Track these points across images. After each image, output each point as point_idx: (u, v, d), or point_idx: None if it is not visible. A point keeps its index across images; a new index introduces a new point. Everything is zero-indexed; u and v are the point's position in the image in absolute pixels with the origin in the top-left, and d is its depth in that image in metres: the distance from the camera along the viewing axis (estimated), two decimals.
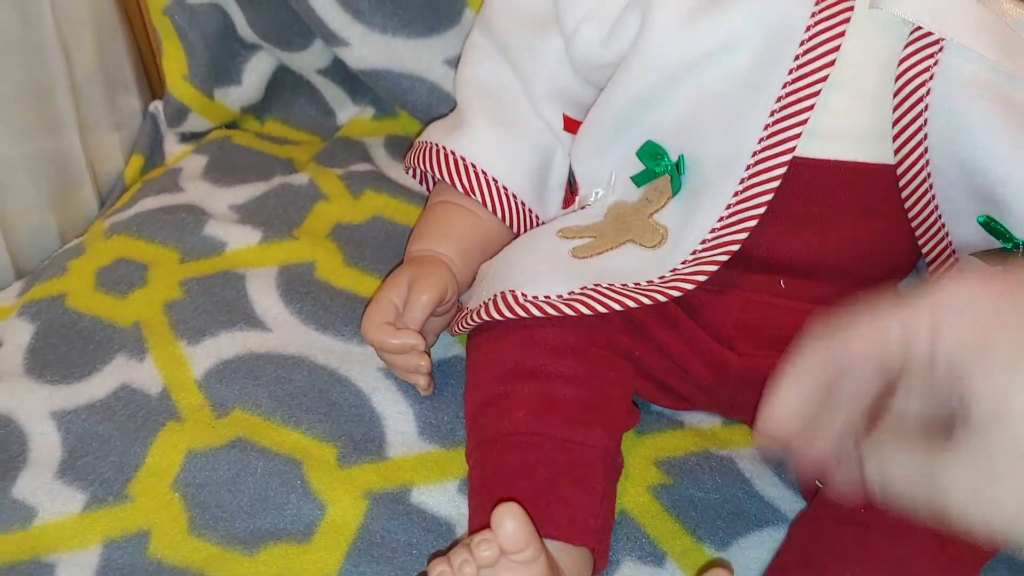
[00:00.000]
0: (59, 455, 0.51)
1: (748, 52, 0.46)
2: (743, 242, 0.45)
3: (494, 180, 0.55)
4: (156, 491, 0.49)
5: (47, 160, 0.70)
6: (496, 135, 0.56)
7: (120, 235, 0.64)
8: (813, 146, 0.46)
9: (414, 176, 0.61)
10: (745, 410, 0.53)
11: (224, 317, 0.57)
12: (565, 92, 0.55)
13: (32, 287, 0.62)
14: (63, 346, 0.57)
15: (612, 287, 0.46)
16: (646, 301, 0.45)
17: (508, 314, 0.47)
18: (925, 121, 0.46)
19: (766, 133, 0.45)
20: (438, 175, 0.56)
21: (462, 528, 0.48)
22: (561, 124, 0.56)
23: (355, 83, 0.76)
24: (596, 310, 0.45)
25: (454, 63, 0.69)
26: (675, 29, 0.47)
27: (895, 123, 0.46)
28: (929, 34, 0.45)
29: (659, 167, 0.49)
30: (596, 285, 0.46)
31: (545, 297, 0.46)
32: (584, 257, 0.48)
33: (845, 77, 0.45)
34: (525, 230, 0.55)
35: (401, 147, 0.74)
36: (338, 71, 0.75)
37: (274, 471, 0.49)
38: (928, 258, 0.50)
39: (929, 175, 0.47)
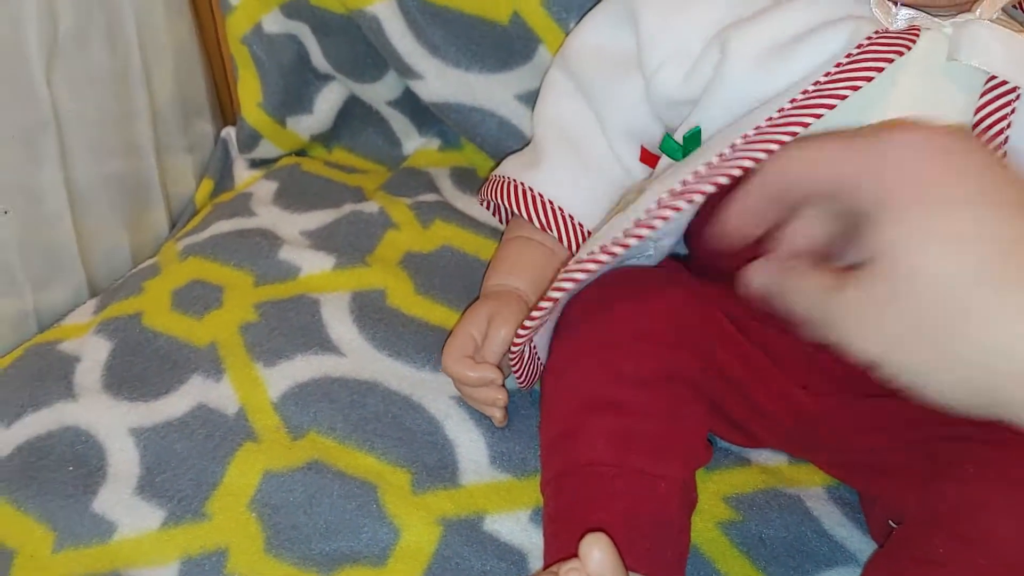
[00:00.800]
0: (137, 471, 0.52)
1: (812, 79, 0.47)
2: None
3: (570, 216, 0.56)
4: (233, 510, 0.50)
5: (124, 181, 0.72)
6: (572, 171, 0.57)
7: (195, 257, 0.65)
8: None
9: (488, 208, 0.62)
10: (814, 449, 0.53)
11: (299, 340, 0.58)
12: (641, 130, 0.57)
13: (108, 305, 0.63)
14: (140, 364, 0.58)
15: (672, 191, 0.45)
16: (709, 187, 0.43)
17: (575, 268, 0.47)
18: None
19: (778, 116, 0.45)
20: (515, 210, 0.57)
21: (534, 557, 0.48)
22: (636, 158, 0.57)
23: (422, 115, 0.78)
24: (669, 216, 0.44)
25: (525, 98, 0.71)
26: (751, 68, 0.48)
27: None
28: (1004, 83, 0.46)
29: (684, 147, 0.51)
30: (659, 200, 0.45)
31: (623, 230, 0.46)
32: (629, 204, 0.49)
33: (893, 108, 0.46)
34: None
35: (466, 178, 0.75)
36: (407, 103, 0.77)
37: (350, 494, 0.50)
38: None
39: None
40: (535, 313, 0.48)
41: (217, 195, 0.77)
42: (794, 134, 0.43)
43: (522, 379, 0.52)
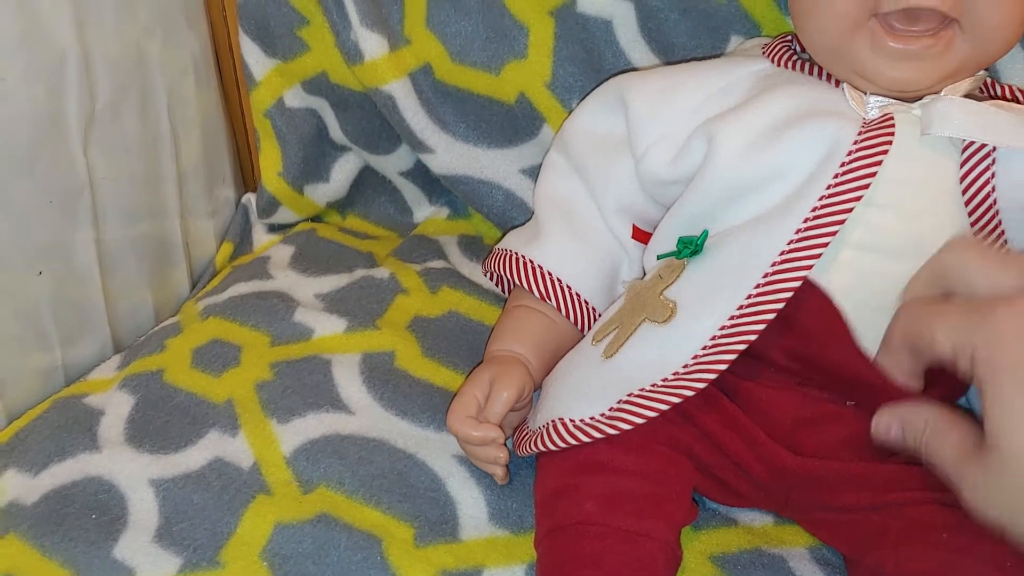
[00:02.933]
0: (156, 520, 0.55)
1: (801, 174, 0.50)
2: (754, 344, 0.48)
3: (568, 287, 0.60)
4: (246, 559, 0.53)
5: (150, 242, 0.75)
6: (569, 245, 0.61)
7: (215, 317, 0.69)
8: (844, 255, 0.49)
9: (491, 279, 0.66)
10: (799, 509, 0.55)
11: (311, 399, 0.61)
12: (633, 207, 0.61)
13: (132, 362, 0.67)
14: (161, 418, 0.61)
15: (643, 393, 0.50)
16: (675, 400, 0.49)
17: (561, 444, 0.51)
18: (1000, 221, 0.50)
19: (787, 248, 0.49)
20: (516, 281, 0.61)
21: None
22: (629, 234, 0.61)
23: (432, 185, 0.82)
24: (634, 423, 0.49)
25: (529, 172, 0.75)
26: (737, 156, 0.52)
27: (974, 225, 0.50)
28: (980, 147, 0.50)
29: (686, 252, 0.53)
30: (629, 396, 0.50)
31: (590, 419, 0.51)
32: (611, 355, 0.53)
33: (881, 196, 0.49)
34: None
35: (473, 246, 0.79)
36: (418, 174, 0.81)
37: (356, 546, 0.53)
38: None
39: None
40: (533, 447, 0.53)
41: (236, 258, 0.81)
42: (817, 256, 0.48)
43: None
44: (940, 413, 0.45)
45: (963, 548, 0.46)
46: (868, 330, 0.49)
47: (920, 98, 0.51)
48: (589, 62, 0.69)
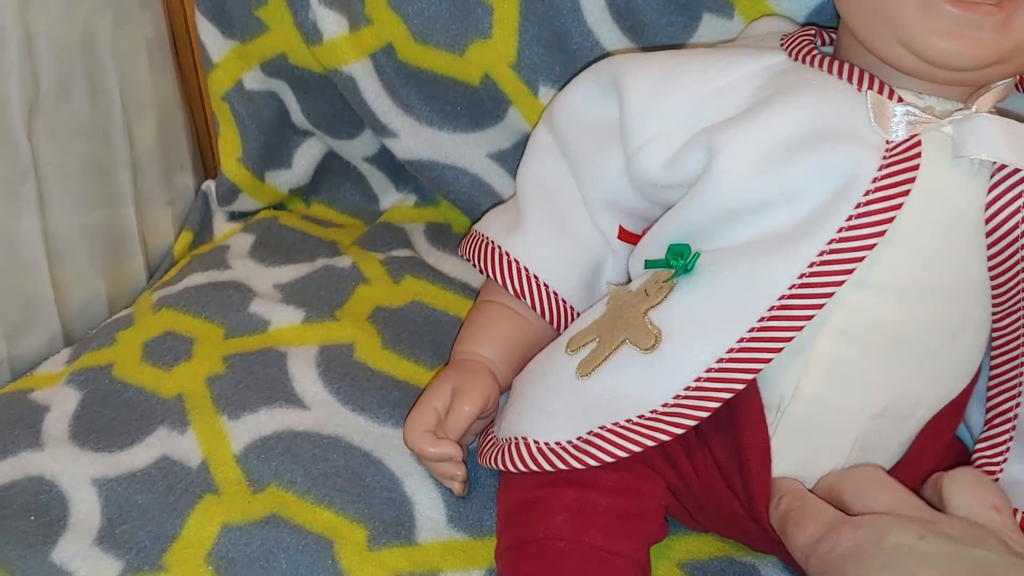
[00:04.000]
0: (98, 522, 0.53)
1: (813, 202, 0.46)
2: (749, 383, 0.45)
3: (545, 285, 0.56)
4: (191, 563, 0.50)
5: (102, 232, 0.73)
6: (550, 238, 0.57)
7: (168, 308, 0.66)
8: (852, 296, 0.45)
9: (468, 260, 0.62)
10: (772, 547, 0.50)
11: (265, 394, 0.59)
12: (621, 204, 0.56)
13: (81, 356, 0.64)
14: (108, 415, 0.59)
15: (616, 428, 0.46)
16: (649, 443, 0.45)
17: (522, 467, 0.48)
18: (1021, 258, 0.46)
19: (799, 282, 0.44)
20: (490, 275, 0.57)
21: None
22: (615, 233, 0.57)
23: (399, 171, 0.79)
24: (602, 460, 0.46)
25: (496, 157, 0.72)
26: (741, 175, 0.47)
27: (992, 258, 0.46)
28: (1012, 172, 0.45)
29: (676, 264, 0.49)
30: (601, 428, 0.46)
31: (557, 444, 0.47)
32: (587, 375, 0.49)
33: (900, 232, 0.45)
34: None
35: (440, 234, 0.76)
36: (384, 159, 0.79)
37: (306, 549, 0.50)
38: (996, 365, 0.50)
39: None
40: (494, 465, 0.50)
41: (196, 247, 0.78)
42: (829, 295, 0.44)
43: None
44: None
45: None
46: (860, 374, 0.46)
47: (950, 114, 0.46)
48: (556, 42, 0.67)
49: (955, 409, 0.50)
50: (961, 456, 0.53)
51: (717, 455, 0.48)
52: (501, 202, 0.73)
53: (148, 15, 0.75)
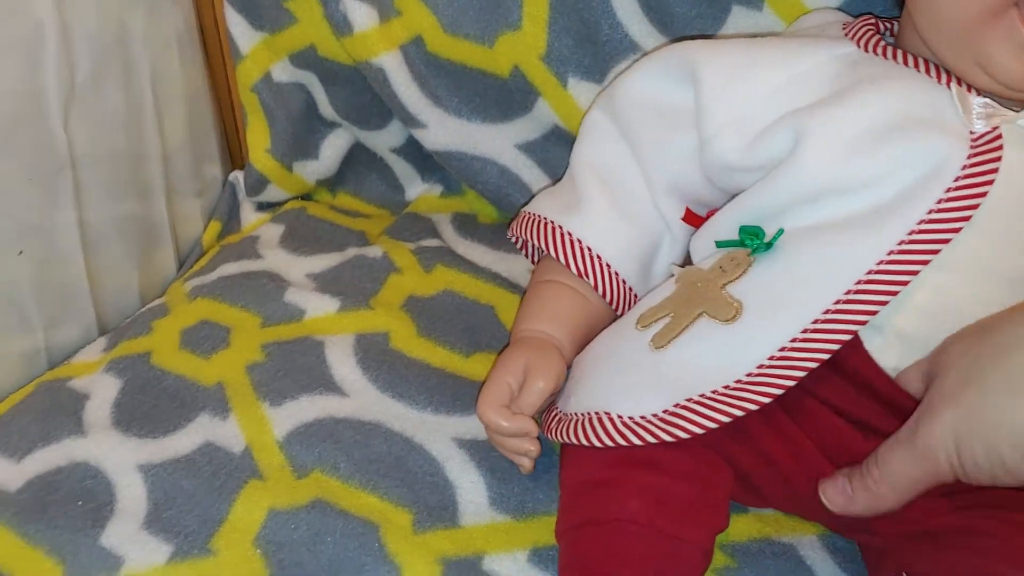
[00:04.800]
0: (145, 507, 0.53)
1: (897, 186, 0.47)
2: (836, 352, 0.45)
3: (607, 265, 0.56)
4: (239, 547, 0.51)
5: (135, 222, 0.73)
6: (612, 219, 0.57)
7: (204, 298, 0.67)
8: (937, 277, 0.46)
9: (517, 244, 0.62)
10: (833, 519, 0.51)
11: (304, 381, 0.59)
12: (686, 188, 0.56)
13: (118, 344, 0.65)
14: (149, 402, 0.60)
15: (703, 399, 0.46)
16: (738, 413, 0.46)
17: (608, 441, 0.48)
18: None
19: (887, 258, 0.45)
20: (551, 253, 0.57)
21: None
22: (678, 216, 0.57)
23: (425, 162, 0.80)
24: (692, 432, 0.46)
25: (524, 148, 0.73)
26: (830, 158, 0.48)
27: None
28: None
29: (752, 244, 0.49)
30: (688, 400, 0.47)
31: (642, 418, 0.47)
32: (663, 346, 0.49)
33: (982, 218, 0.46)
34: None
35: (467, 224, 0.77)
36: (410, 150, 0.79)
37: (352, 533, 0.51)
38: None
39: None
40: (569, 438, 0.50)
41: (224, 237, 0.79)
42: (915, 272, 0.45)
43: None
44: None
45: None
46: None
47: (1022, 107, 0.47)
48: (585, 34, 0.67)
49: None
50: None
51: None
52: (529, 192, 0.74)
53: (178, 7, 0.75)
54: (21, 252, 0.63)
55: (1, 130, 0.60)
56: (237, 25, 0.75)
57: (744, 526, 0.53)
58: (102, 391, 0.61)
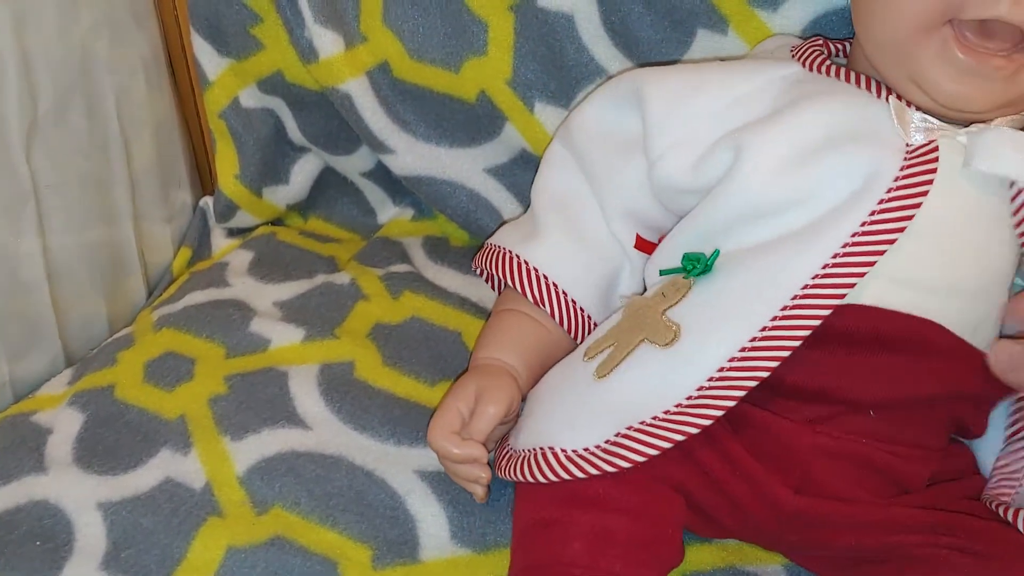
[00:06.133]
0: (104, 546, 0.53)
1: (831, 200, 0.47)
2: (775, 371, 0.46)
3: (564, 292, 0.57)
4: None
5: (101, 249, 0.73)
6: (568, 247, 0.58)
7: (169, 328, 0.66)
8: (870, 289, 0.46)
9: (481, 275, 0.63)
10: (794, 548, 0.52)
11: (267, 414, 0.59)
12: (639, 213, 0.57)
13: (83, 376, 0.65)
14: (111, 437, 0.59)
15: (643, 427, 0.46)
16: (678, 437, 0.46)
17: (551, 476, 0.47)
18: None
19: (822, 272, 0.46)
20: (508, 282, 0.58)
21: None
22: (632, 242, 0.58)
23: (396, 186, 0.80)
24: (634, 461, 0.46)
25: (493, 171, 0.73)
26: (768, 174, 0.48)
27: None
28: None
29: (693, 269, 0.49)
30: (628, 428, 0.47)
31: (584, 450, 0.47)
32: (604, 376, 0.49)
33: (921, 228, 0.46)
34: None
35: (438, 248, 0.77)
36: (380, 174, 0.79)
37: (311, 571, 0.51)
38: None
39: None
40: (516, 476, 0.49)
41: (195, 263, 0.79)
42: (852, 285, 0.45)
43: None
44: None
45: None
46: None
47: (968, 123, 0.48)
48: (551, 58, 0.67)
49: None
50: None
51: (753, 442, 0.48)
52: (498, 215, 0.74)
53: (143, 34, 0.75)
54: None
55: None
56: (203, 52, 0.75)
57: (708, 555, 0.53)
58: (65, 426, 0.60)
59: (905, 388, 0.48)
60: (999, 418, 0.53)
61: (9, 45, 0.61)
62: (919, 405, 0.49)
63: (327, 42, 0.69)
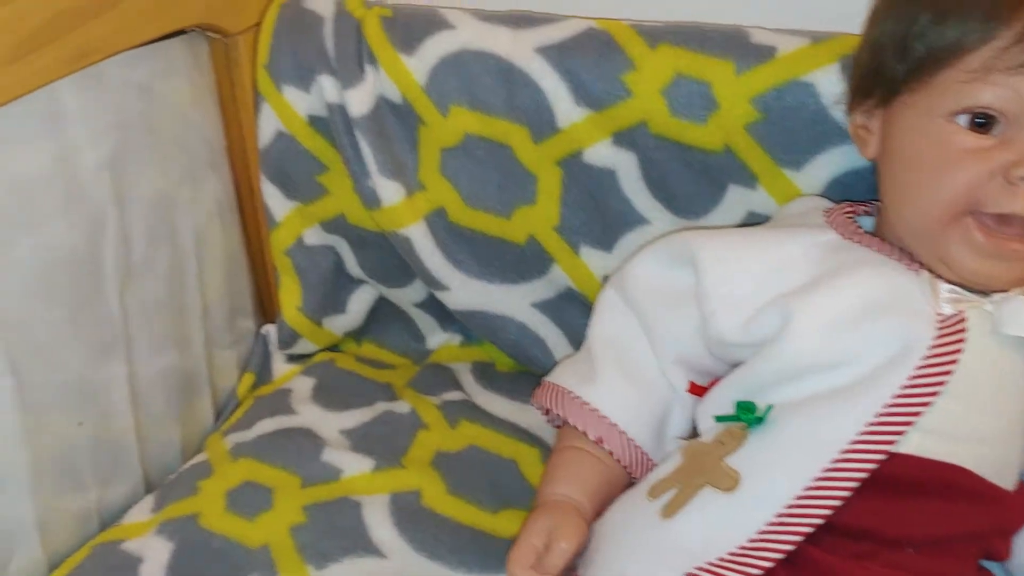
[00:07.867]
0: None
1: (872, 363, 0.53)
2: (826, 518, 0.51)
3: (622, 432, 0.62)
4: None
5: (176, 374, 0.77)
6: (625, 388, 0.63)
7: (246, 457, 0.72)
8: (910, 441, 0.52)
9: (541, 411, 0.68)
10: None
11: (346, 543, 0.64)
12: (691, 361, 0.63)
13: (166, 505, 0.69)
14: (200, 565, 0.64)
15: (710, 567, 0.52)
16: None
17: None
18: None
19: (867, 428, 0.52)
20: (570, 421, 0.63)
21: None
22: (684, 387, 0.64)
23: (444, 313, 0.86)
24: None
25: (540, 306, 0.79)
26: (811, 339, 0.55)
27: None
28: None
29: (747, 418, 0.55)
30: (696, 568, 0.52)
31: None
32: (670, 516, 0.54)
33: (954, 388, 0.52)
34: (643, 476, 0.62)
35: (486, 373, 0.83)
36: (431, 304, 0.85)
37: None
38: None
39: None
40: None
41: (257, 388, 0.84)
42: (894, 442, 0.51)
43: None
44: None
45: None
46: None
47: (992, 291, 0.54)
48: (595, 207, 0.74)
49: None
50: None
51: None
52: (544, 345, 0.80)
53: (217, 178, 0.81)
54: (81, 423, 0.68)
55: (63, 301, 0.65)
56: (272, 196, 0.81)
57: None
58: (155, 554, 0.65)
59: (941, 528, 0.53)
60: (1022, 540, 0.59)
61: (109, 198, 0.68)
62: (952, 541, 0.54)
63: (390, 191, 0.76)
